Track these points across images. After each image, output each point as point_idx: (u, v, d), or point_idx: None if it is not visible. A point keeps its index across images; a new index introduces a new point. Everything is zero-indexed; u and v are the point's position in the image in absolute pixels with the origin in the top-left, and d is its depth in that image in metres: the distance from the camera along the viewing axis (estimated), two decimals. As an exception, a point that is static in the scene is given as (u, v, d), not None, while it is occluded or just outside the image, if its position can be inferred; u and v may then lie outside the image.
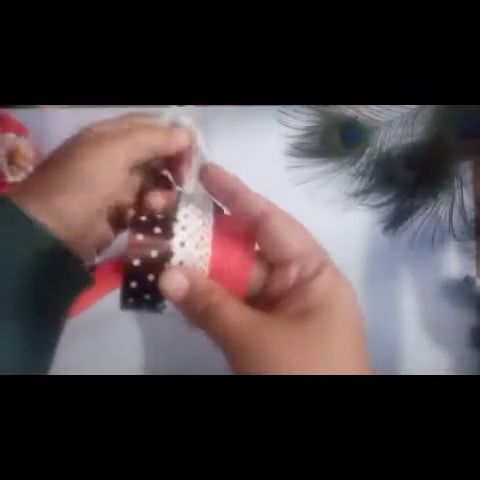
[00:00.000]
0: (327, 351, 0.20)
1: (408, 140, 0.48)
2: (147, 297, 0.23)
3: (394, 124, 0.48)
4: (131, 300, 0.23)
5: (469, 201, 0.48)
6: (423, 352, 0.47)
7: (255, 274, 0.24)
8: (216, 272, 0.23)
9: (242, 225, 0.24)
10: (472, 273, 0.47)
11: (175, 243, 0.22)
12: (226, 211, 0.25)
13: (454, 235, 0.48)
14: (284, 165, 0.48)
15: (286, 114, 0.48)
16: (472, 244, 0.48)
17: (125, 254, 0.22)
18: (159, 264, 0.22)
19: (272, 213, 0.23)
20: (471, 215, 0.48)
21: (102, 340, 0.42)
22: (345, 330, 0.21)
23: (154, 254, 0.22)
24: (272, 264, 0.24)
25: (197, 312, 0.22)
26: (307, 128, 0.49)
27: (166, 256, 0.22)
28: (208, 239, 0.23)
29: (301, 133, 0.49)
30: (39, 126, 0.44)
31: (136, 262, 0.22)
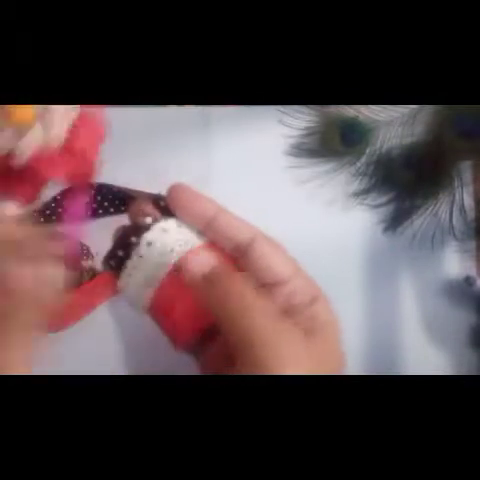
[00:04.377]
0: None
1: (408, 140, 0.48)
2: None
3: (394, 124, 0.48)
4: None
5: (469, 201, 0.48)
6: (423, 352, 0.46)
7: None
8: None
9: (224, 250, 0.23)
10: (472, 273, 0.47)
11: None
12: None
13: (454, 235, 0.48)
14: (284, 165, 0.48)
15: (286, 114, 0.48)
16: (472, 244, 0.48)
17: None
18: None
19: (258, 237, 0.23)
20: (471, 215, 0.48)
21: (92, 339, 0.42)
22: (334, 353, 0.23)
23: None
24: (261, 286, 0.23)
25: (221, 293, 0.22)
26: (307, 128, 0.49)
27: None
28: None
29: (301, 133, 0.49)
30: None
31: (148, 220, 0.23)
